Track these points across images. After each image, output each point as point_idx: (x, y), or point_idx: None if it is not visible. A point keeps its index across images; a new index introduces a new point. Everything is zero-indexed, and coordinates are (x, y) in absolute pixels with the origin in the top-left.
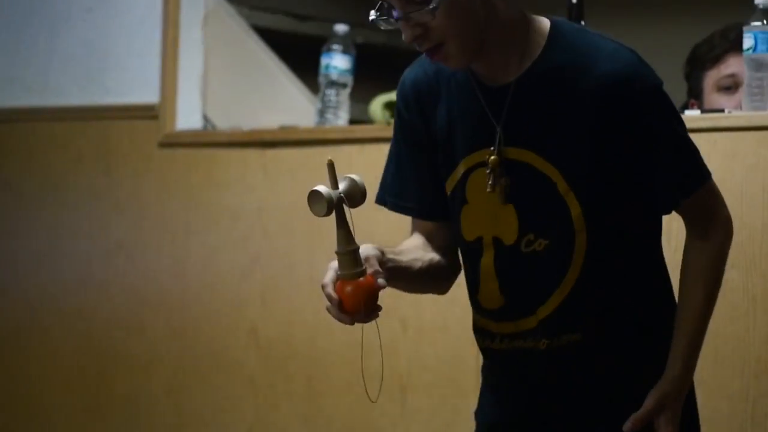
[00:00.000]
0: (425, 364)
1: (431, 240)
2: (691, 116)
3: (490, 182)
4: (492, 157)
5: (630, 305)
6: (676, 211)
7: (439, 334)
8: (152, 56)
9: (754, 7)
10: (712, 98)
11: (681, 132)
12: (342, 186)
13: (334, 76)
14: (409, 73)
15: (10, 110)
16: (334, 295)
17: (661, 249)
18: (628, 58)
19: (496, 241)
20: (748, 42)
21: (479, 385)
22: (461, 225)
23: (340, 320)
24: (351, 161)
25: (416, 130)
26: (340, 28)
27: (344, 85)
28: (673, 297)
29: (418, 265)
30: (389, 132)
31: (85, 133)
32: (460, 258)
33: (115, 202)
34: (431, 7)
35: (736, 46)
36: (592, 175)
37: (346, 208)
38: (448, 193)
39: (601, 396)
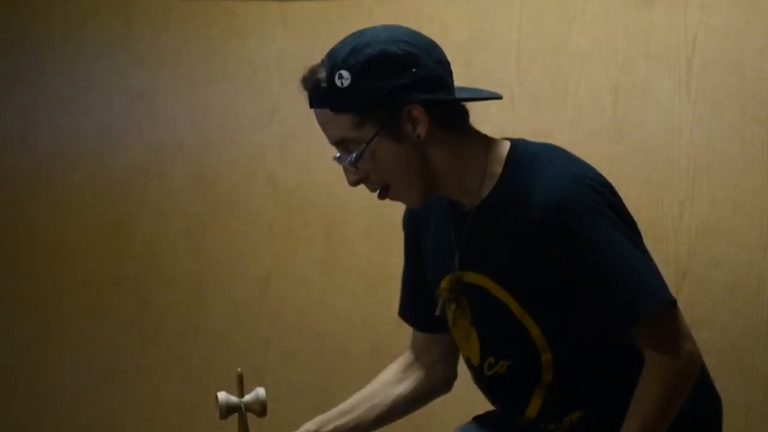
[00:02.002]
0: None
1: (426, 352)
2: None
3: (453, 306)
4: (446, 277)
5: (619, 374)
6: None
7: None
8: None
9: None
10: None
11: (623, 254)
12: (247, 396)
13: None
14: None
15: None
16: None
17: None
18: (561, 186)
19: (468, 361)
20: None
21: None
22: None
23: None
24: (371, 13)
25: (411, 247)
26: None
27: None
28: None
29: (376, 413)
30: None
31: None
32: None
33: (133, 52)
34: (349, 161)
35: None
36: (543, 297)
37: (249, 415)
38: (437, 312)
39: None
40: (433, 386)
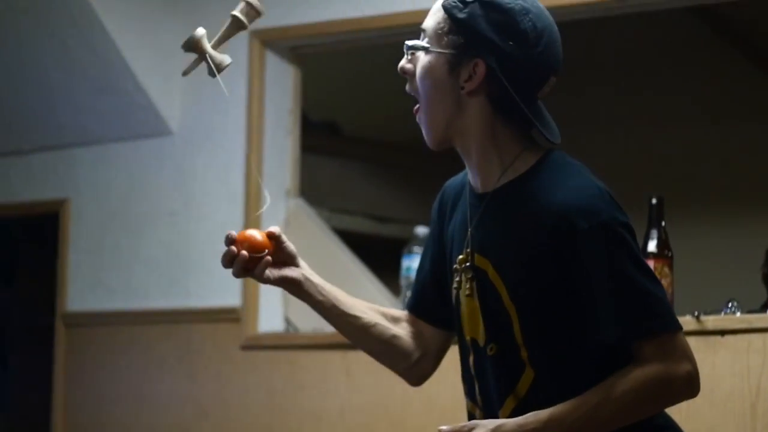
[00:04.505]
0: None
1: (417, 337)
2: None
3: (466, 285)
4: (460, 257)
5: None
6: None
7: None
8: None
9: None
10: None
11: (632, 274)
12: (216, 51)
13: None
14: (448, 181)
15: (93, 313)
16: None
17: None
18: (587, 193)
19: (474, 342)
20: None
21: None
22: (460, 326)
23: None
24: None
25: (435, 234)
26: (421, 230)
27: None
28: None
29: (356, 322)
30: None
31: (168, 337)
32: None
33: (198, 405)
34: (406, 46)
35: None
36: (533, 296)
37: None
38: (453, 298)
39: None
40: (408, 362)
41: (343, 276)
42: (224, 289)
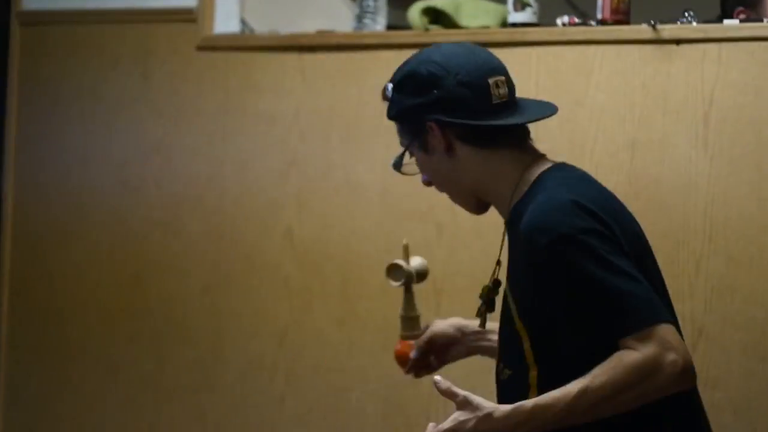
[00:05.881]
0: (460, 269)
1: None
2: (729, 26)
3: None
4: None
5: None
6: None
7: (474, 239)
8: None
9: None
10: None
11: (601, 278)
12: (414, 263)
13: None
14: None
15: (49, 12)
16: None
17: None
18: (545, 208)
19: (497, 368)
20: None
21: None
22: None
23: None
24: (389, 66)
25: None
26: None
27: None
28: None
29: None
30: (427, 37)
31: (123, 36)
32: None
33: (152, 105)
34: (391, 163)
35: None
36: (534, 310)
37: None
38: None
39: None
40: None
41: None
42: None
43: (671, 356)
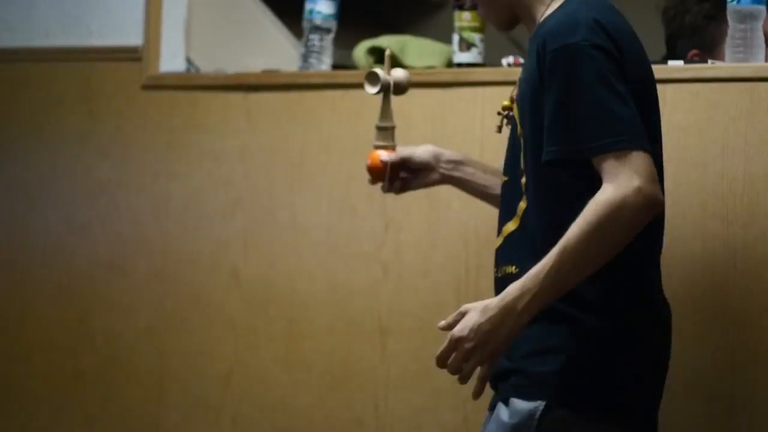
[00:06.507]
0: (405, 309)
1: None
2: (675, 67)
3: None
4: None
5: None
6: None
7: (419, 280)
8: None
9: None
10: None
11: (597, 92)
12: (394, 74)
13: (318, 20)
14: None
15: None
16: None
17: None
18: (568, 20)
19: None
20: None
21: None
22: None
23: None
24: (334, 106)
25: None
26: None
27: (328, 30)
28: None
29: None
30: None
31: (68, 74)
32: None
33: (97, 143)
34: None
35: None
36: (533, 123)
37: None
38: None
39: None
40: None
41: (247, 19)
42: (125, 28)
43: (635, 182)
